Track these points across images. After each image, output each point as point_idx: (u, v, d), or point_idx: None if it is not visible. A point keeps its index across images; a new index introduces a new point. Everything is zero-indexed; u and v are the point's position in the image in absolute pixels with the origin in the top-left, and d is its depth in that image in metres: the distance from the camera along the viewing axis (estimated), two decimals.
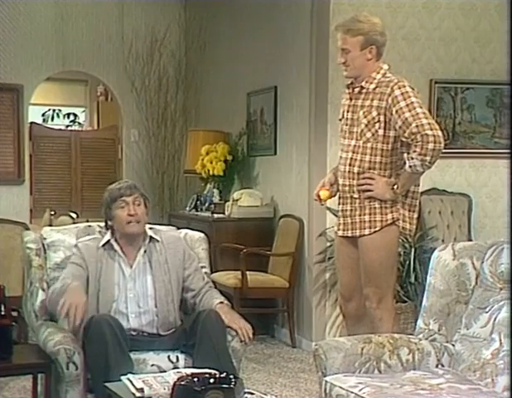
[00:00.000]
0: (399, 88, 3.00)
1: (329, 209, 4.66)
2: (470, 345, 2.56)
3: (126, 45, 6.49)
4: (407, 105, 2.95)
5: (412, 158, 2.96)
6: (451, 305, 2.67)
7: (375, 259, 3.12)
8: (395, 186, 3.09)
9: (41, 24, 6.40)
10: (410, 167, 2.99)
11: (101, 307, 2.84)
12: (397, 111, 2.98)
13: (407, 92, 2.98)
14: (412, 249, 4.52)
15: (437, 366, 2.62)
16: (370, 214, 3.11)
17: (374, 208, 3.10)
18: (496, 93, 4.83)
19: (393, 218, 3.09)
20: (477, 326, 2.57)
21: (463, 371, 2.54)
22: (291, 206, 5.01)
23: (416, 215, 3.17)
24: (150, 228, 3.04)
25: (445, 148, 4.81)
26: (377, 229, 3.10)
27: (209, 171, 5.60)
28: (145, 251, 2.96)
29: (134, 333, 2.85)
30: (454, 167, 4.91)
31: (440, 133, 2.93)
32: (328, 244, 4.65)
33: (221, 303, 2.94)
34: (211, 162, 5.57)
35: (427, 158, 2.93)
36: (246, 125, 5.65)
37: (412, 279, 4.47)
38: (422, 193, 4.73)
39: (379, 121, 3.05)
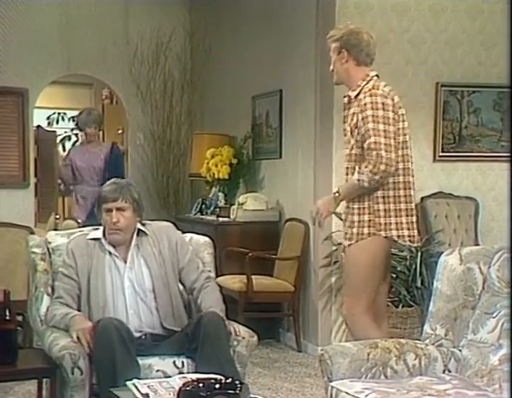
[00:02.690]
0: (370, 96, 2.98)
1: (334, 213, 4.65)
2: (477, 350, 2.55)
3: (131, 48, 6.50)
4: (372, 116, 2.94)
5: (363, 173, 2.96)
6: (458, 310, 2.66)
7: (349, 270, 3.19)
8: (337, 194, 3.10)
9: (46, 28, 6.40)
10: (358, 180, 2.99)
11: (93, 303, 2.83)
12: (363, 118, 2.97)
13: (376, 103, 2.95)
14: (419, 254, 4.51)
15: (443, 372, 2.61)
16: (350, 227, 3.13)
17: (352, 221, 3.11)
18: (503, 96, 4.81)
19: (369, 233, 3.06)
20: (484, 331, 2.56)
21: (470, 377, 2.53)
22: (296, 210, 5.00)
23: (414, 219, 3.11)
24: (142, 224, 3.00)
25: (452, 152, 4.87)
26: (352, 242, 3.10)
27: (214, 174, 5.60)
28: (136, 245, 2.94)
29: (137, 335, 2.83)
30: (460, 171, 4.90)
31: (393, 156, 2.92)
32: (334, 248, 4.64)
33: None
34: (216, 166, 5.57)
35: (377, 178, 2.93)
36: (251, 129, 5.65)
37: (419, 284, 4.46)
38: (428, 197, 4.80)
39: (357, 127, 3.04)
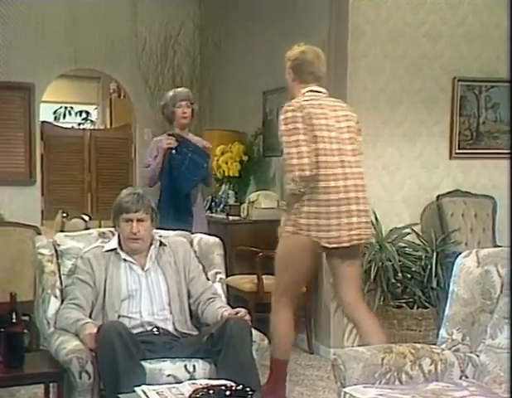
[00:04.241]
0: (282, 113, 3.32)
1: None
2: (495, 356, 2.54)
3: (139, 42, 6.50)
4: (283, 130, 3.29)
5: (288, 183, 3.32)
6: (476, 314, 2.64)
7: (275, 265, 3.59)
8: (284, 207, 3.46)
9: (53, 22, 6.43)
10: (289, 189, 3.34)
11: (108, 308, 2.88)
12: (280, 134, 3.32)
13: (286, 118, 3.28)
14: (434, 254, 4.49)
15: (460, 378, 2.60)
16: (280, 226, 3.49)
17: (282, 221, 3.48)
18: None
19: (292, 231, 3.37)
20: (503, 336, 2.54)
21: (488, 384, 2.52)
22: None
23: (337, 222, 3.31)
24: (160, 236, 3.13)
25: (468, 149, 4.83)
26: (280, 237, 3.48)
27: (224, 171, 5.59)
28: (156, 256, 3.06)
29: (149, 329, 2.89)
30: (478, 168, 4.87)
31: (306, 161, 3.23)
32: None
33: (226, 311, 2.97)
34: (226, 163, 5.57)
35: (297, 182, 3.26)
36: (262, 125, 5.64)
37: (434, 284, 4.45)
38: (444, 195, 4.77)
39: None
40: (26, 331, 2.83)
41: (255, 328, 3.08)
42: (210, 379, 2.55)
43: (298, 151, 3.22)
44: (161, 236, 3.14)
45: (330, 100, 3.44)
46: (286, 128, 3.26)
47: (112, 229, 3.15)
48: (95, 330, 2.70)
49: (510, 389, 2.30)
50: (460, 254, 2.83)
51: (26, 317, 3.71)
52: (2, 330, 2.69)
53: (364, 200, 3.39)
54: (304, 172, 3.21)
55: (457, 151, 4.84)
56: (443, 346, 2.69)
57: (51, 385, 2.85)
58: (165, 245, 3.10)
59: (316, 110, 3.31)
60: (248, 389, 2.12)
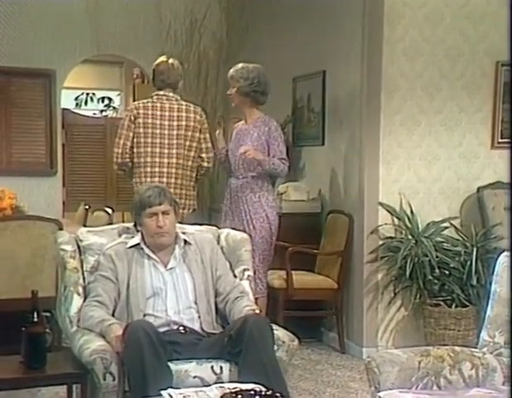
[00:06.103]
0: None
1: (381, 204, 4.62)
2: None
3: (164, 26, 6.49)
4: (120, 123, 4.28)
5: None
6: None
7: None
8: None
9: (75, 6, 6.44)
10: None
11: (133, 307, 2.91)
12: None
13: (123, 114, 4.29)
14: (474, 249, 4.44)
15: (503, 384, 2.56)
16: None
17: None
18: None
19: None
20: None
21: None
22: (340, 201, 4.97)
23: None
24: (183, 232, 3.14)
25: None
26: None
27: None
28: (181, 255, 3.07)
29: (175, 328, 2.90)
30: None
31: (120, 151, 4.24)
32: (380, 242, 4.61)
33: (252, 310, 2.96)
34: None
35: (115, 166, 4.39)
36: (292, 113, 5.62)
37: (474, 282, 4.40)
38: (485, 187, 4.71)
39: None
40: (47, 330, 2.84)
41: (284, 328, 3.09)
42: (237, 381, 2.54)
43: (118, 142, 4.23)
44: (185, 233, 3.14)
45: (173, 103, 4.24)
46: (121, 121, 4.26)
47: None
48: (121, 331, 2.71)
49: (510, 389, 2.28)
50: (503, 251, 2.79)
51: (48, 314, 3.75)
52: (24, 329, 2.72)
53: (174, 185, 4.19)
54: (117, 159, 4.25)
55: (500, 140, 4.77)
56: (484, 349, 2.66)
57: (74, 385, 2.88)
58: (190, 244, 3.11)
59: (148, 112, 4.20)
60: (278, 394, 2.12)
